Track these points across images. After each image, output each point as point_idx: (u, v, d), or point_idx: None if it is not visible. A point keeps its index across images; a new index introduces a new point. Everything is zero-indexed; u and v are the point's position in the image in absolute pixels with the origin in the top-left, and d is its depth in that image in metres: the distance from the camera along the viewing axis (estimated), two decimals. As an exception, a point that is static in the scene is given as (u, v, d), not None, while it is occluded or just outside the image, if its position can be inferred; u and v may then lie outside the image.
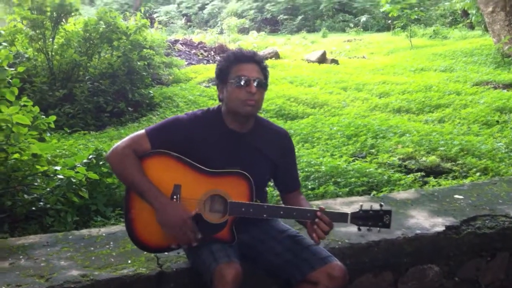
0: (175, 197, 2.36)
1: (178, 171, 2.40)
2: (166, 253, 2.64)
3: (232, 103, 2.42)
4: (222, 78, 2.47)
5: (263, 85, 2.44)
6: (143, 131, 2.45)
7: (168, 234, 2.36)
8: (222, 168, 2.40)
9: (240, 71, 2.40)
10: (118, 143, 2.45)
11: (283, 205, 2.52)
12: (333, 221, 2.37)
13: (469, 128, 6.66)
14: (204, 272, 2.32)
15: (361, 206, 2.41)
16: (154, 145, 2.40)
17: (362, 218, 2.39)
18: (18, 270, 2.56)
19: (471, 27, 21.04)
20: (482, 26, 17.43)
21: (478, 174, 4.83)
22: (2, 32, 8.28)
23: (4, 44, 7.56)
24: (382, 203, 2.41)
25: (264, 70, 2.49)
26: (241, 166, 2.40)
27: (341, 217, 2.40)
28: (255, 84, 2.39)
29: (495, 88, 9.58)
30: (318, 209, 2.36)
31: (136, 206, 2.42)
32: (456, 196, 3.68)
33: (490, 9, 12.63)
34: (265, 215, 2.40)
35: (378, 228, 2.40)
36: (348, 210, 2.46)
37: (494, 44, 12.87)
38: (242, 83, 2.38)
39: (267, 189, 2.76)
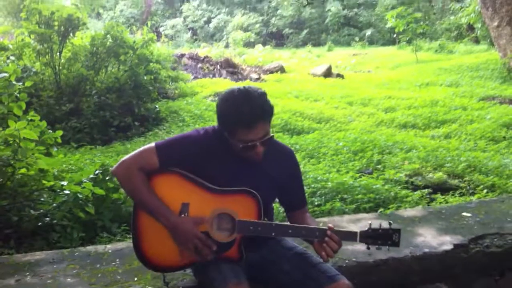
0: (183, 215, 2.35)
1: (186, 189, 2.38)
2: (172, 272, 2.62)
3: (238, 152, 2.37)
4: (225, 129, 2.36)
5: (269, 142, 2.35)
6: (152, 145, 2.41)
7: (183, 252, 2.34)
8: (228, 186, 2.39)
9: (245, 136, 2.29)
10: (126, 157, 2.41)
11: (291, 224, 2.50)
12: (342, 239, 2.35)
13: (475, 144, 6.64)
14: (212, 292, 2.30)
15: (370, 224, 2.39)
16: (162, 161, 2.38)
17: (371, 236, 2.37)
18: (24, 287, 2.55)
19: (477, 41, 21.09)
20: (488, 40, 17.45)
21: (485, 191, 4.80)
22: (10, 46, 8.37)
23: (12, 58, 7.66)
24: (391, 222, 2.39)
25: (270, 117, 2.35)
26: (248, 185, 2.39)
27: (350, 236, 2.38)
28: (262, 146, 2.33)
29: (501, 103, 9.56)
30: (327, 228, 2.34)
31: (144, 223, 2.41)
32: (464, 213, 3.65)
33: (496, 23, 12.65)
34: (273, 234, 2.38)
35: (388, 247, 2.39)
36: (356, 227, 2.45)
37: (500, 59, 12.87)
38: (249, 147, 2.32)
39: (273, 205, 2.75)
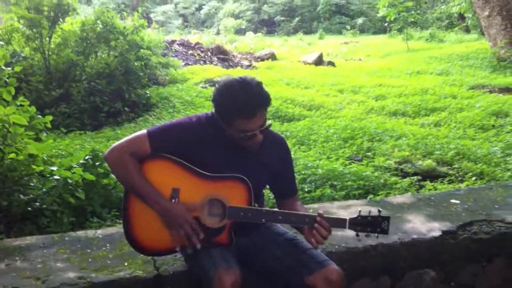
0: (173, 200, 2.35)
1: (177, 174, 2.39)
2: (163, 256, 2.63)
3: (236, 141, 2.38)
4: (223, 119, 2.34)
5: (267, 130, 2.38)
6: (144, 132, 2.41)
7: (174, 236, 2.35)
8: (219, 173, 2.40)
9: (245, 126, 2.29)
10: (117, 143, 2.41)
11: (281, 210, 2.51)
12: (332, 226, 2.37)
13: (464, 132, 6.68)
14: (203, 277, 2.31)
15: (360, 211, 2.40)
16: (153, 148, 2.38)
17: (360, 224, 2.39)
18: (14, 272, 2.55)
19: (467, 30, 21.16)
20: (478, 30, 17.53)
21: (474, 178, 4.84)
22: (-1, 31, 8.29)
23: (1, 43, 7.57)
24: (380, 209, 2.41)
25: (268, 106, 2.34)
26: (239, 171, 2.39)
27: (339, 223, 2.40)
28: (260, 135, 2.34)
29: (490, 92, 9.60)
30: (316, 214, 2.36)
31: (135, 208, 2.41)
32: (453, 200, 3.68)
33: (487, 13, 12.69)
34: (263, 220, 2.40)
35: (377, 235, 2.41)
36: (345, 214, 2.47)
37: (490, 48, 12.93)
38: (249, 137, 2.33)
39: (263, 191, 2.76)
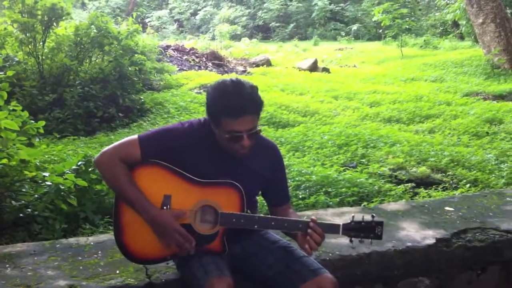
0: (165, 207, 2.33)
1: (168, 181, 2.36)
2: (154, 264, 2.60)
3: (223, 145, 2.36)
4: (212, 118, 2.33)
5: (255, 136, 2.34)
6: (135, 137, 2.39)
7: (164, 245, 2.32)
8: (211, 179, 2.38)
9: (232, 126, 2.26)
10: (108, 147, 2.39)
11: (274, 216, 2.50)
12: (325, 232, 2.35)
13: (459, 139, 6.69)
14: (195, 286, 2.28)
15: (353, 217, 2.39)
16: (144, 154, 2.36)
17: (354, 229, 2.38)
18: (4, 280, 2.52)
19: (461, 37, 21.26)
20: (472, 37, 17.58)
21: (468, 185, 4.84)
22: (-8, 35, 8.24)
23: (-6, 47, 7.54)
24: (374, 214, 2.40)
25: (259, 111, 2.32)
26: (231, 178, 2.38)
27: (333, 229, 2.39)
28: (248, 139, 2.30)
29: (485, 99, 9.64)
30: (310, 220, 2.34)
31: (125, 215, 2.38)
32: (447, 208, 3.67)
33: (481, 20, 12.75)
34: (256, 226, 2.38)
35: (370, 240, 2.39)
36: (340, 221, 2.45)
37: (484, 55, 12.98)
38: (235, 138, 2.30)
39: (256, 198, 2.74)
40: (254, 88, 2.30)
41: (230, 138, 2.29)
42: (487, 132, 7.04)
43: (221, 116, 2.26)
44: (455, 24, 21.52)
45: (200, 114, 8.13)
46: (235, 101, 2.22)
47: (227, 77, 2.73)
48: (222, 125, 2.28)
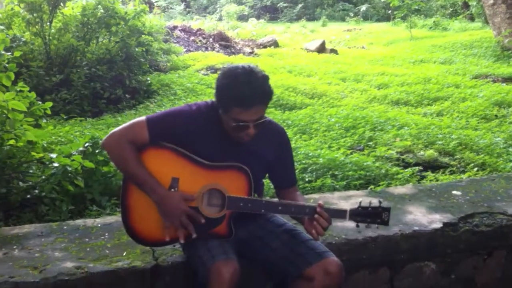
0: (172, 190, 2.33)
1: (176, 164, 2.37)
2: (161, 246, 2.61)
3: (228, 131, 2.36)
4: (220, 104, 2.32)
5: (261, 125, 2.32)
6: (143, 118, 2.39)
7: (170, 226, 2.33)
8: (217, 162, 2.37)
9: (240, 116, 2.25)
10: (116, 129, 2.40)
11: (281, 200, 2.49)
12: (332, 217, 2.36)
13: (467, 122, 6.63)
14: (200, 269, 2.29)
15: (360, 202, 2.39)
16: (152, 135, 2.36)
17: (360, 214, 2.38)
18: (11, 261, 2.54)
19: (471, 19, 20.99)
20: (483, 18, 17.37)
21: (475, 169, 4.80)
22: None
23: (1, 27, 7.51)
24: (381, 200, 2.40)
25: (268, 102, 2.31)
26: (238, 161, 2.37)
27: (340, 214, 2.39)
28: (253, 129, 2.29)
29: (494, 81, 9.53)
30: (317, 205, 2.34)
31: (133, 197, 2.39)
32: (454, 192, 3.66)
33: (491, 1, 12.57)
34: (263, 210, 2.39)
35: (377, 225, 2.39)
36: (346, 204, 2.45)
37: (494, 37, 12.81)
38: (240, 127, 2.29)
39: (263, 181, 2.73)
40: (265, 78, 2.28)
41: (236, 126, 2.28)
42: (496, 115, 6.97)
43: (229, 104, 2.25)
44: (465, 5, 21.26)
45: (207, 96, 8.10)
46: (246, 91, 2.21)
47: (234, 59, 2.72)
48: (230, 113, 2.27)
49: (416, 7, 19.03)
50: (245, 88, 2.21)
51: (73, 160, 3.80)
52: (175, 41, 13.61)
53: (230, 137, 2.39)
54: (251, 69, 2.27)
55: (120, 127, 2.40)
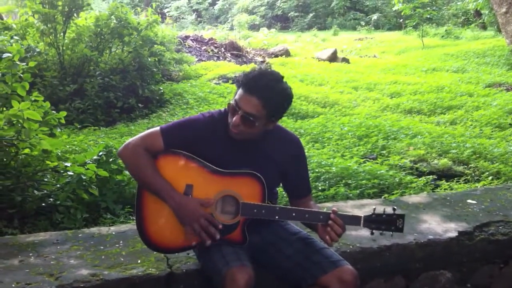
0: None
1: (190, 170, 2.38)
2: (176, 253, 2.62)
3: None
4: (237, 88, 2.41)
5: (249, 122, 2.32)
6: (157, 129, 2.43)
7: (189, 232, 2.34)
8: (230, 169, 2.38)
9: (239, 97, 2.33)
10: (131, 139, 2.44)
11: (295, 207, 2.49)
12: (346, 224, 2.35)
13: (481, 131, 6.60)
14: (215, 276, 2.29)
15: (374, 209, 2.38)
16: (166, 144, 2.39)
17: (375, 221, 2.37)
18: (27, 268, 2.55)
19: (484, 27, 20.91)
20: (495, 26, 17.30)
21: (490, 178, 4.77)
22: (14, 25, 8.31)
23: (16, 38, 7.60)
24: (395, 207, 2.38)
25: (267, 103, 2.30)
26: (250, 168, 2.38)
27: (354, 220, 2.38)
28: (239, 116, 2.31)
29: (507, 90, 9.48)
30: (331, 211, 2.33)
31: (148, 205, 2.41)
32: (469, 201, 3.63)
33: (504, 9, 12.52)
34: (277, 217, 2.38)
35: (391, 232, 2.38)
36: (360, 213, 2.44)
37: (507, 45, 12.76)
38: (232, 109, 2.35)
39: (277, 189, 2.73)
40: (277, 81, 2.34)
41: (231, 107, 2.35)
42: (510, 124, 6.93)
43: (240, 84, 2.35)
44: (477, 14, 21.17)
45: (219, 105, 8.12)
46: (257, 77, 2.31)
47: (246, 68, 2.78)
48: (236, 92, 2.36)
49: (428, 16, 19.00)
50: (254, 75, 2.31)
51: (87, 168, 3.83)
52: (187, 50, 13.70)
53: (245, 143, 2.40)
54: (271, 69, 2.40)
55: (136, 137, 2.44)
